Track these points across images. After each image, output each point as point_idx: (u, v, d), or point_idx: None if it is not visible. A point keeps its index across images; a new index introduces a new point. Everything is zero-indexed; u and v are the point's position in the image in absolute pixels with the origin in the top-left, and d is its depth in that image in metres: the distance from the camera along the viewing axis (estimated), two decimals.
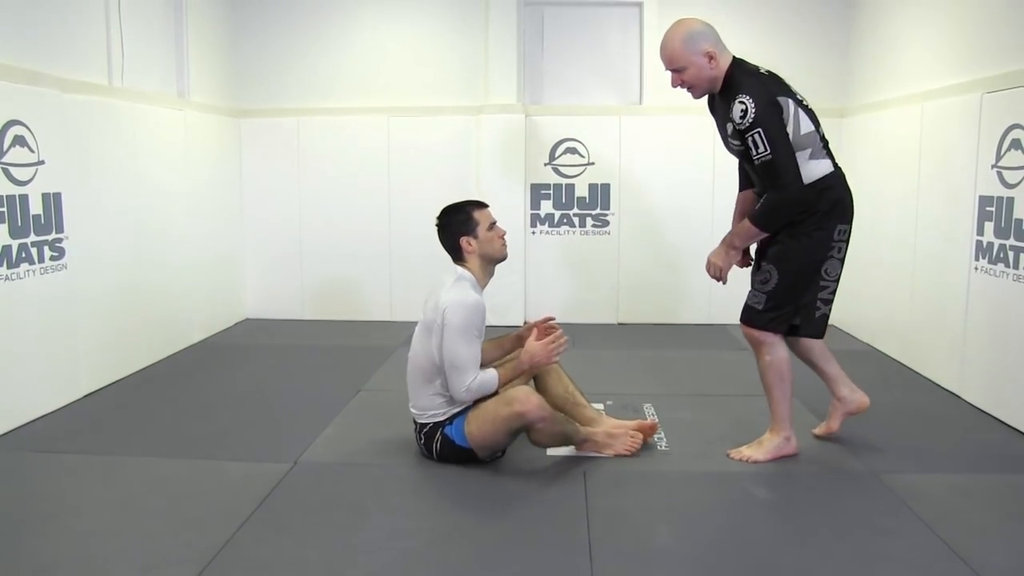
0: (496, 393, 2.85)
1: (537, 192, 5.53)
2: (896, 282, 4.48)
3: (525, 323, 3.17)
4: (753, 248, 3.00)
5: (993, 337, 3.53)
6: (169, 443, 3.17)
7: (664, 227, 5.42)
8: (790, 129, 2.70)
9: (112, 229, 4.01)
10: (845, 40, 5.37)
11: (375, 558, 2.27)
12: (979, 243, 3.62)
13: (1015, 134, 3.37)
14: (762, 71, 2.81)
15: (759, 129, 2.64)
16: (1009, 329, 3.39)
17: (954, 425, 3.43)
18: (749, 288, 2.95)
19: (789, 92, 2.76)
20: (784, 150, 2.66)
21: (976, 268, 3.65)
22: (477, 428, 2.81)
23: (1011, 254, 3.37)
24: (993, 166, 3.51)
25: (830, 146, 2.87)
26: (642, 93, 5.53)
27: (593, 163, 5.49)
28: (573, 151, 5.49)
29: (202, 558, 2.23)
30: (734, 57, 2.83)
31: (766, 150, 2.65)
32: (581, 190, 5.51)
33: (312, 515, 2.52)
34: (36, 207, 3.42)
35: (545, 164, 5.50)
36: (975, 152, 3.65)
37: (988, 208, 3.54)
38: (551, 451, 3.01)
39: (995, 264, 3.49)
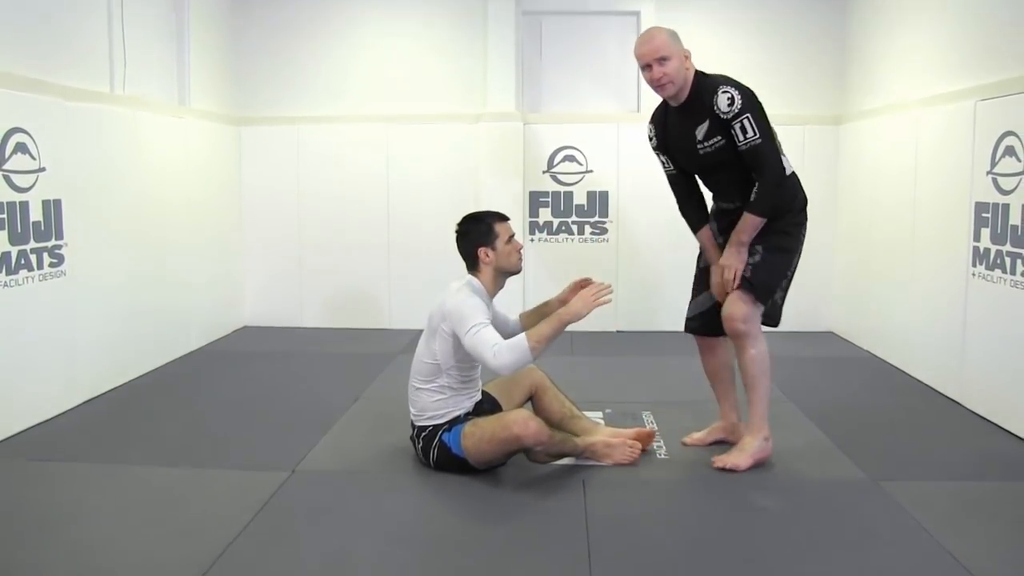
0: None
1: (536, 200, 5.54)
2: (894, 289, 4.49)
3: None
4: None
5: (992, 343, 3.54)
6: (167, 451, 3.16)
7: (662, 234, 5.41)
8: None
9: (111, 236, 4.01)
10: (840, 48, 5.39)
11: (373, 567, 2.26)
12: (976, 249, 3.63)
13: (1009, 141, 3.39)
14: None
15: (747, 115, 2.67)
16: (1008, 335, 3.40)
17: (954, 432, 3.43)
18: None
19: None
20: (770, 136, 2.72)
21: (974, 274, 3.65)
22: (474, 445, 2.80)
23: (1008, 260, 3.38)
24: (988, 172, 3.53)
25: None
26: (639, 101, 5.54)
27: (591, 171, 5.50)
28: (571, 159, 5.51)
29: (199, 566, 2.22)
30: (696, 70, 2.87)
31: (755, 135, 2.68)
32: (579, 198, 5.52)
33: (310, 523, 2.52)
34: (36, 214, 3.42)
35: (543, 172, 5.52)
36: (970, 159, 3.66)
37: (984, 214, 3.55)
38: None
39: (992, 270, 3.50)
